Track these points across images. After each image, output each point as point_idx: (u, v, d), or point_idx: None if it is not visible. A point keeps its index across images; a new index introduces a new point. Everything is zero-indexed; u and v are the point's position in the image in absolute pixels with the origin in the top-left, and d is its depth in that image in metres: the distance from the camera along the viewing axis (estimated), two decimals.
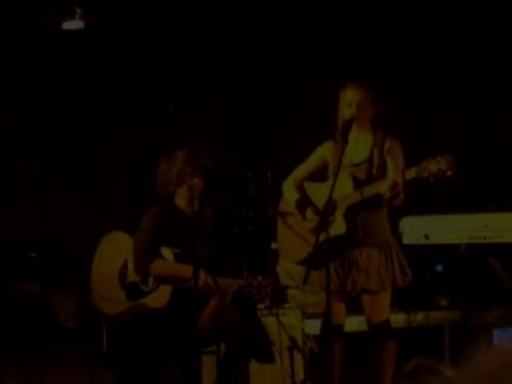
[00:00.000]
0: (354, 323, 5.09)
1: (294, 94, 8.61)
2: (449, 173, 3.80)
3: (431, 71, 8.32)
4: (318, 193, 4.31)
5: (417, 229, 5.94)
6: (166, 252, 4.41)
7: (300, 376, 4.90)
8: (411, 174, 3.90)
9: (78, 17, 7.13)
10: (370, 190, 4.06)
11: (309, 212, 4.27)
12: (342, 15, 7.44)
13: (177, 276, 4.34)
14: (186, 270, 4.29)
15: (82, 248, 7.94)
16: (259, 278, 4.15)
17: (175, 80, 8.32)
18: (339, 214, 4.12)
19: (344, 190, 4.11)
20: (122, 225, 4.94)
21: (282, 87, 8.62)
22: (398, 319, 5.61)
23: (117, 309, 4.52)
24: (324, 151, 4.40)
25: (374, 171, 4.21)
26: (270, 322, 4.92)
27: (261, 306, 5.14)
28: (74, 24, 7.27)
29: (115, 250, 4.70)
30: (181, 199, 4.53)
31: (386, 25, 7.85)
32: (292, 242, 4.45)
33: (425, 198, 6.64)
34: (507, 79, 7.97)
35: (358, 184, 4.14)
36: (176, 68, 8.32)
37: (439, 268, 6.45)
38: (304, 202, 4.34)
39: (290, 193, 4.43)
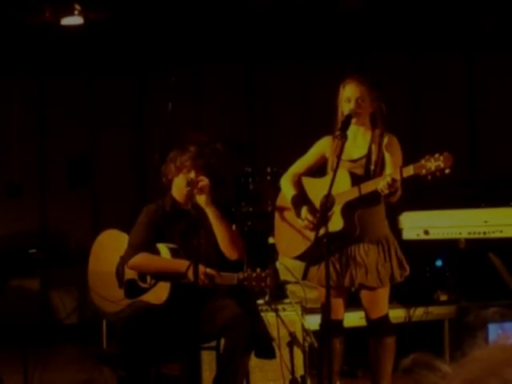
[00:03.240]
0: (353, 318, 5.10)
1: (293, 89, 8.61)
2: (447, 171, 3.80)
3: (432, 70, 8.32)
4: (317, 188, 4.31)
5: (416, 224, 5.94)
6: (162, 248, 4.42)
7: (300, 371, 4.90)
8: (409, 171, 3.90)
9: (76, 13, 7.14)
10: (367, 187, 4.06)
11: (303, 211, 4.27)
12: (342, 12, 7.43)
13: (167, 271, 4.35)
14: (177, 265, 4.31)
15: (81, 245, 7.96)
16: (258, 270, 4.17)
17: (174, 79, 8.31)
18: (337, 211, 4.12)
19: (342, 186, 4.11)
20: (122, 222, 4.95)
21: (281, 83, 8.62)
22: (397, 314, 5.62)
23: (116, 307, 4.52)
24: (323, 146, 4.40)
25: (372, 167, 4.21)
26: (269, 317, 4.93)
27: (260, 301, 5.15)
28: (72, 20, 7.28)
29: (111, 248, 4.70)
30: (178, 191, 4.53)
31: (386, 22, 7.84)
32: (289, 238, 4.46)
33: (424, 193, 6.66)
34: (507, 79, 7.98)
35: (356, 180, 4.14)
36: (175, 66, 8.32)
37: (439, 263, 6.46)
38: (300, 199, 4.34)
39: (287, 188, 4.44)
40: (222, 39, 8.12)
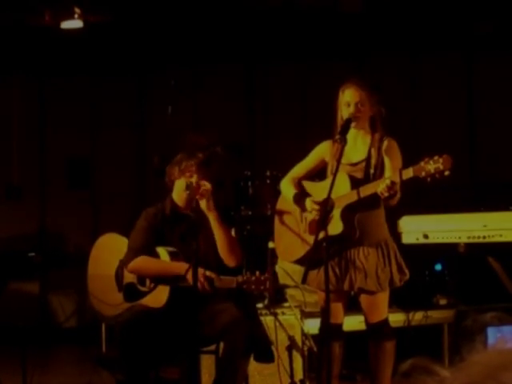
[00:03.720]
0: (352, 322, 5.10)
1: (293, 89, 8.61)
2: (446, 173, 3.80)
3: (432, 70, 8.32)
4: (316, 192, 4.31)
5: (416, 228, 5.94)
6: (162, 251, 4.42)
7: (299, 375, 4.90)
8: (408, 173, 3.90)
9: (76, 16, 7.14)
10: (366, 190, 4.06)
11: (308, 202, 4.27)
12: (342, 12, 7.43)
13: (167, 274, 4.35)
14: (176, 267, 4.30)
15: (81, 248, 7.95)
16: (257, 273, 4.16)
17: (174, 82, 8.31)
18: (336, 214, 4.12)
19: (341, 189, 4.11)
20: (122, 224, 4.94)
21: (281, 85, 8.62)
22: (397, 318, 5.61)
23: (115, 311, 4.52)
24: (323, 150, 4.40)
25: (372, 171, 4.21)
26: (268, 321, 4.93)
27: (260, 305, 5.14)
28: (72, 24, 7.28)
29: (110, 252, 4.70)
30: (176, 194, 4.53)
31: (386, 23, 7.84)
32: (288, 241, 4.45)
33: (424, 197, 6.65)
34: (507, 80, 7.98)
35: (356, 183, 4.14)
36: (175, 66, 8.32)
37: (438, 267, 6.45)
38: (302, 196, 4.34)
39: (287, 189, 4.43)
40: (222, 39, 8.12)
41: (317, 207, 4.20)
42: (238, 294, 4.43)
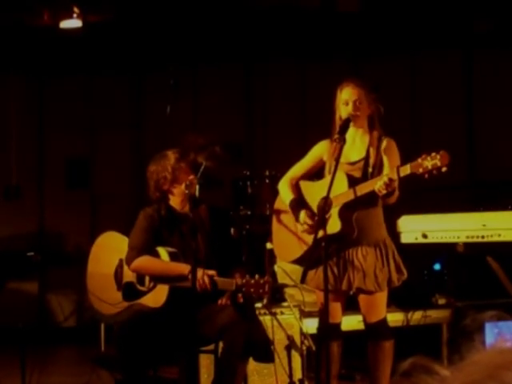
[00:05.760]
0: (351, 322, 5.10)
1: (293, 89, 8.61)
2: (444, 169, 3.81)
3: (432, 69, 8.32)
4: (314, 191, 4.32)
5: (415, 228, 5.94)
6: (162, 251, 4.41)
7: (297, 375, 4.90)
8: (406, 170, 3.90)
9: (75, 16, 7.14)
10: (364, 188, 4.06)
11: (302, 215, 4.27)
12: (341, 12, 7.44)
13: (170, 274, 4.34)
14: (180, 268, 4.29)
15: (79, 247, 7.95)
16: (257, 276, 4.15)
17: (173, 81, 8.31)
18: (334, 213, 4.12)
19: (339, 188, 4.11)
20: (120, 224, 4.94)
21: (280, 85, 8.62)
22: (395, 318, 5.61)
23: (114, 309, 4.51)
24: (321, 150, 4.40)
25: (370, 170, 4.22)
26: (267, 320, 4.93)
27: (259, 305, 5.14)
28: (71, 23, 7.28)
29: (110, 251, 4.69)
30: (177, 199, 4.52)
31: (385, 22, 7.84)
32: (286, 241, 4.45)
33: (423, 196, 6.65)
34: (507, 79, 7.98)
35: (353, 182, 4.14)
36: (174, 66, 8.31)
37: (437, 267, 6.46)
38: (298, 204, 4.34)
39: (285, 192, 4.44)
40: (222, 39, 8.13)
41: (310, 222, 4.22)
42: (236, 294, 4.40)
